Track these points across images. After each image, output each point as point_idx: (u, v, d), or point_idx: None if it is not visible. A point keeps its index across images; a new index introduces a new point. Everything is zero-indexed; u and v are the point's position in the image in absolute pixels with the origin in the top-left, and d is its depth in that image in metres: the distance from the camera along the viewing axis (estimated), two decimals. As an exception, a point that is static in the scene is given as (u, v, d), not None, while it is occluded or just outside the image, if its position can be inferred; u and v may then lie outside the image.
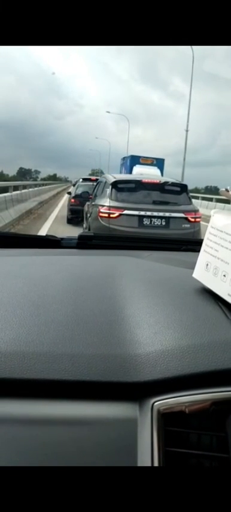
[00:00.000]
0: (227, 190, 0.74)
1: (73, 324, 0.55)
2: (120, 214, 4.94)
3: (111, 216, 4.99)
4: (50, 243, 1.11)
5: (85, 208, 7.05)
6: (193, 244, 1.20)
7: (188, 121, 19.30)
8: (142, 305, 0.61)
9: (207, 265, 0.68)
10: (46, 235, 1.16)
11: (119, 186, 5.23)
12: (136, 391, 0.47)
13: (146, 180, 5.36)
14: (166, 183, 5.40)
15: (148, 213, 4.95)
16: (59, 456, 0.43)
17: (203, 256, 0.70)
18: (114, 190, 5.15)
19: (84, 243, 1.12)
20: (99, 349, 0.50)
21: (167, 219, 5.00)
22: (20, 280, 0.71)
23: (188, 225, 5.08)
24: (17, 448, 0.43)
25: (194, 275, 0.71)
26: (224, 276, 0.62)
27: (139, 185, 5.27)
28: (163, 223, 5.00)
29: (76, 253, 1.06)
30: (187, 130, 19.43)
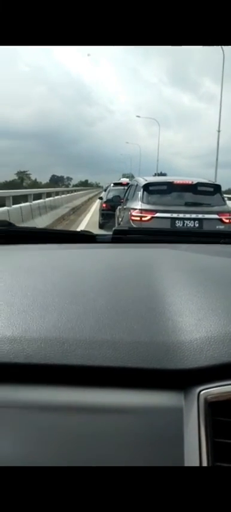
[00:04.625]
0: None
1: (112, 311, 0.54)
2: (152, 217, 4.89)
3: (143, 219, 4.96)
4: (85, 238, 1.11)
5: (117, 212, 7.07)
6: None
7: (219, 121, 18.95)
8: (183, 293, 0.59)
9: None
10: (81, 230, 1.16)
11: (151, 188, 5.20)
12: (180, 379, 0.46)
13: (178, 182, 5.28)
14: (198, 183, 5.29)
15: (181, 215, 4.88)
16: (102, 445, 0.41)
17: None
18: (145, 193, 5.12)
19: (119, 238, 1.10)
20: (141, 337, 0.49)
21: (201, 220, 4.89)
22: (57, 271, 0.72)
23: (222, 227, 4.95)
24: (59, 435, 0.42)
25: None
26: None
27: (171, 187, 5.21)
28: (196, 225, 4.90)
29: (112, 247, 1.05)
30: (218, 131, 19.08)
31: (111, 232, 1.15)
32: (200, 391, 0.44)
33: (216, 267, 0.76)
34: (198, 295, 0.58)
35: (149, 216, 4.91)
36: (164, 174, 19.30)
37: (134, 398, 0.45)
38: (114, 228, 1.12)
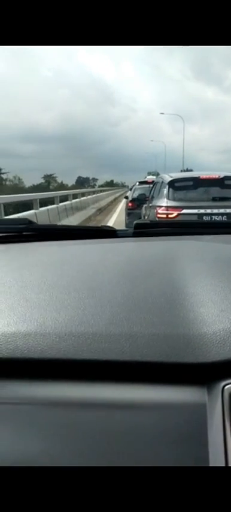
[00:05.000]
0: None
1: (130, 304, 0.52)
2: (178, 214, 4.82)
3: (169, 216, 4.90)
4: (106, 233, 1.10)
5: (143, 210, 7.04)
6: None
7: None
8: (205, 283, 0.57)
9: None
10: (102, 226, 1.15)
11: (177, 184, 5.12)
12: (203, 373, 0.43)
13: (204, 176, 5.18)
14: (225, 177, 5.16)
15: (208, 211, 4.78)
16: (120, 442, 0.40)
17: None
18: (171, 189, 5.06)
19: (140, 232, 1.08)
20: (160, 329, 0.47)
21: (229, 215, 4.77)
22: (76, 266, 0.71)
23: (252, 221, 4.80)
24: (77, 432, 0.41)
25: None
26: None
27: (197, 182, 5.11)
28: (225, 221, 4.78)
29: (133, 241, 1.03)
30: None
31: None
32: (225, 386, 0.41)
33: None
34: (221, 285, 0.55)
35: (175, 213, 4.84)
36: (191, 171, 19.02)
37: (154, 394, 0.43)
38: (134, 222, 1.10)
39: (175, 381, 0.43)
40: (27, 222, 1.06)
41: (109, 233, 1.09)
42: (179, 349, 0.44)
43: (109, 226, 1.15)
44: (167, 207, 4.94)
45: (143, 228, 1.10)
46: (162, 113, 72.94)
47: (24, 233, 1.03)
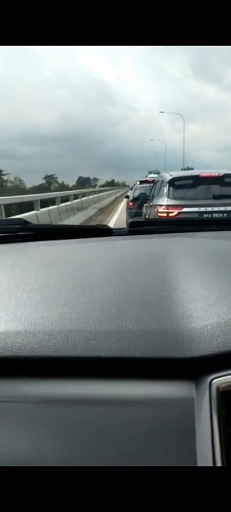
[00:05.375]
0: None
1: (120, 301, 0.53)
2: (179, 213, 4.83)
3: (170, 215, 4.90)
4: (102, 232, 1.11)
5: (144, 209, 7.04)
6: None
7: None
8: (194, 278, 0.57)
9: None
10: (97, 225, 1.15)
11: (177, 183, 5.13)
12: (191, 368, 0.43)
13: (204, 175, 5.18)
14: (225, 175, 5.16)
15: (209, 209, 4.78)
16: (108, 438, 0.40)
17: None
18: (171, 188, 5.06)
19: (135, 230, 1.09)
20: (148, 325, 0.47)
21: (229, 213, 4.77)
22: (68, 264, 0.72)
23: (253, 218, 4.80)
24: (64, 429, 0.41)
25: None
26: None
27: (197, 180, 5.11)
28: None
29: (128, 239, 1.04)
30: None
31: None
32: (212, 380, 0.42)
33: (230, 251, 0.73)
34: (210, 280, 0.56)
35: (176, 212, 4.84)
36: (191, 169, 18.98)
37: (142, 389, 0.43)
38: (130, 220, 1.11)
39: (163, 376, 0.44)
40: (22, 222, 1.06)
41: (104, 232, 1.10)
42: (167, 345, 0.44)
43: (104, 225, 1.15)
44: (168, 206, 4.94)
45: (138, 226, 1.11)
46: (162, 112, 72.71)
47: (20, 233, 1.03)
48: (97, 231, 1.12)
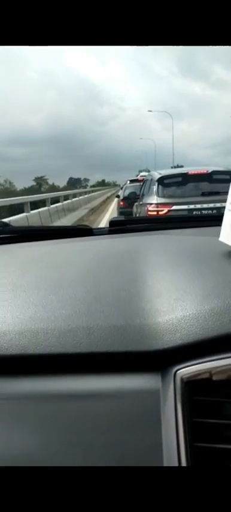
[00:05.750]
0: None
1: (91, 298, 0.54)
2: (169, 211, 4.85)
3: (160, 213, 4.92)
4: (82, 232, 1.11)
5: (134, 208, 7.06)
6: None
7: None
8: (163, 275, 0.58)
9: None
10: (78, 225, 1.15)
11: (166, 181, 5.16)
12: (156, 361, 0.45)
13: (193, 172, 5.22)
14: (214, 172, 5.21)
15: (198, 206, 4.81)
16: (79, 431, 0.41)
17: (227, 217, 0.65)
18: (160, 186, 5.09)
19: (116, 229, 1.09)
20: (117, 321, 0.48)
21: (219, 209, 4.80)
22: (44, 264, 0.73)
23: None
24: (35, 425, 0.42)
25: (220, 238, 0.67)
26: None
27: (186, 178, 5.15)
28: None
29: (108, 238, 1.04)
30: (234, 116, 18.69)
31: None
32: (176, 371, 0.43)
33: (201, 246, 0.75)
34: (177, 276, 0.57)
35: (166, 210, 4.87)
36: (181, 167, 19.05)
37: (111, 382, 0.45)
38: (110, 220, 1.12)
39: (131, 369, 0.45)
40: (1, 224, 1.06)
41: (85, 232, 1.10)
42: (134, 339, 0.46)
43: (85, 225, 1.15)
44: (158, 204, 4.97)
45: (119, 225, 1.12)
46: (150, 111, 72.67)
47: (0, 236, 1.03)
48: (78, 231, 1.13)
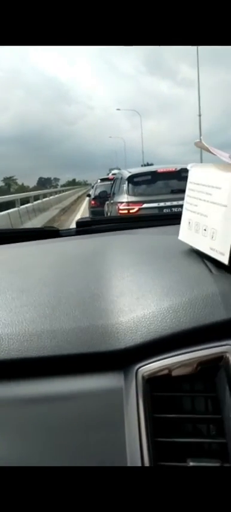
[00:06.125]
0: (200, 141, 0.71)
1: (55, 302, 0.54)
2: (139, 209, 4.90)
3: (131, 211, 4.97)
4: (49, 233, 1.09)
5: (105, 207, 7.07)
6: None
7: (199, 106, 19.01)
8: (127, 274, 0.59)
9: (189, 223, 0.65)
10: (45, 227, 1.14)
11: (136, 180, 5.20)
12: (118, 360, 0.46)
13: (162, 170, 5.30)
14: (182, 170, 5.30)
15: (168, 203, 4.89)
16: (44, 434, 0.42)
17: (185, 215, 0.67)
18: (130, 185, 5.13)
19: (83, 230, 1.09)
20: (80, 322, 0.49)
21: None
22: (6, 268, 0.71)
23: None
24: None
25: (179, 237, 0.68)
26: (205, 230, 0.60)
27: (155, 176, 5.22)
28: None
29: (74, 239, 1.03)
30: (199, 115, 19.13)
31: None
32: (138, 369, 0.44)
33: (163, 244, 0.76)
34: (140, 275, 0.58)
35: (136, 208, 4.92)
36: (151, 165, 19.24)
37: (74, 384, 0.45)
38: (76, 221, 1.12)
39: (94, 370, 0.46)
40: None
41: (51, 233, 1.09)
42: (96, 339, 0.46)
43: (51, 227, 1.14)
44: (128, 203, 5.01)
45: (85, 226, 1.12)
46: (118, 109, 73.06)
47: None
48: (44, 232, 1.11)
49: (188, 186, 0.67)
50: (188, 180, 0.67)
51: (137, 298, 0.52)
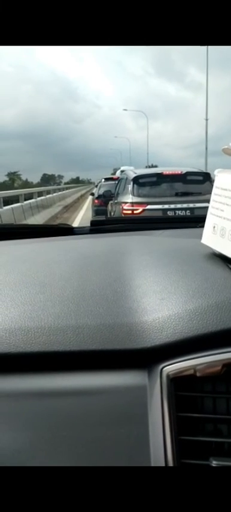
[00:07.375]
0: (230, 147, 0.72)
1: (78, 297, 0.55)
2: (143, 210, 4.90)
3: (135, 212, 4.97)
4: (63, 231, 1.11)
5: (109, 207, 7.07)
6: None
7: (207, 110, 19.02)
8: (149, 275, 0.60)
9: (214, 227, 0.66)
10: (59, 224, 1.15)
11: (141, 181, 5.20)
12: (143, 358, 0.47)
13: (167, 172, 5.30)
14: (187, 173, 5.30)
15: (172, 206, 4.89)
16: (68, 428, 0.43)
17: (209, 219, 0.68)
18: (135, 185, 5.12)
19: (97, 229, 1.11)
20: (105, 319, 0.50)
21: (192, 210, 4.91)
22: (29, 263, 0.72)
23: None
24: (24, 422, 0.43)
25: (202, 241, 0.69)
26: None
27: (160, 178, 5.21)
28: (188, 215, 4.91)
29: (89, 238, 1.05)
30: (206, 119, 19.14)
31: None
32: (163, 368, 0.45)
33: (184, 247, 0.77)
34: (163, 276, 0.59)
35: (140, 209, 4.92)
36: (156, 166, 19.26)
37: (99, 380, 0.46)
38: (91, 219, 1.13)
39: (118, 367, 0.47)
40: None
41: (66, 231, 1.10)
42: (122, 337, 0.47)
43: (66, 224, 1.16)
44: (133, 203, 5.00)
45: (99, 225, 1.13)
46: (125, 109, 73.17)
47: None
48: (59, 230, 1.13)
49: (214, 191, 0.67)
50: (214, 185, 0.67)
51: (161, 299, 0.52)
